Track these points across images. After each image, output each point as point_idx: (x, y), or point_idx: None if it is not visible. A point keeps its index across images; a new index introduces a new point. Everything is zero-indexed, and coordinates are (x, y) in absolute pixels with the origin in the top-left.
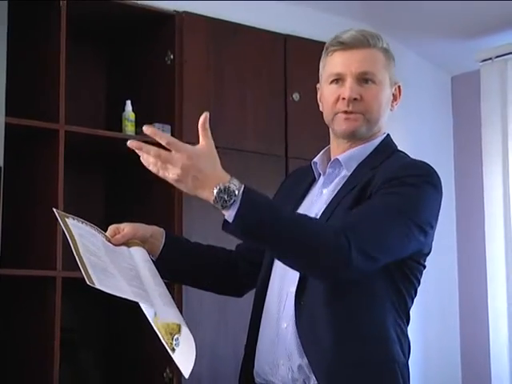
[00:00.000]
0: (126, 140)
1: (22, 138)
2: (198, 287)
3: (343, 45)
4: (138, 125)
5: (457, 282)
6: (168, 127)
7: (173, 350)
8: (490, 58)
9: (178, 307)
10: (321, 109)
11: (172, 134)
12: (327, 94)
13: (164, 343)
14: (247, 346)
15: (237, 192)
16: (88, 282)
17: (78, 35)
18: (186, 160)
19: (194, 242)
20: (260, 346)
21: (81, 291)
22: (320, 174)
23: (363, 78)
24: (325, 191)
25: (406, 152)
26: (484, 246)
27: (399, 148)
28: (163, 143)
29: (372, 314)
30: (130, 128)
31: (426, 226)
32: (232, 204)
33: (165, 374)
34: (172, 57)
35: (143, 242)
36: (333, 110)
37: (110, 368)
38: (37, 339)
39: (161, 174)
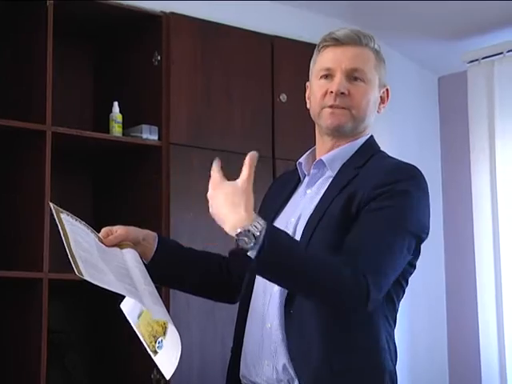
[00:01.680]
0: (113, 141)
1: (8, 139)
2: (190, 293)
3: (335, 41)
4: (125, 126)
5: (444, 282)
6: (155, 128)
7: (155, 352)
8: (477, 59)
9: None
10: (308, 106)
11: (159, 136)
12: (315, 89)
13: (146, 346)
14: (233, 348)
15: (258, 234)
16: (76, 273)
17: (65, 36)
18: (211, 190)
19: (187, 248)
20: (246, 348)
21: (68, 293)
22: (305, 175)
23: (353, 76)
24: (309, 191)
25: (392, 153)
26: (472, 245)
27: (386, 149)
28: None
29: (363, 322)
30: (117, 129)
31: (421, 233)
32: (252, 247)
33: (152, 376)
34: (159, 58)
35: (135, 245)
36: (320, 104)
37: (98, 369)
38: (24, 341)
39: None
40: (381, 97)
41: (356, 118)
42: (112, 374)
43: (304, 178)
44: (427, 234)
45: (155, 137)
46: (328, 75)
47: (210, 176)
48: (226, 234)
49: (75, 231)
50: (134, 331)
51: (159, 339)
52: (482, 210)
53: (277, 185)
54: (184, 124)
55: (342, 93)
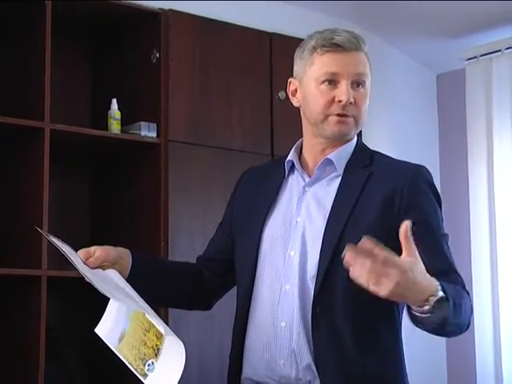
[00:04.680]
0: (112, 138)
1: (7, 136)
2: (166, 305)
3: (337, 46)
4: (124, 123)
5: None
6: (154, 126)
7: (144, 375)
8: (475, 57)
9: (163, 308)
10: (296, 104)
11: (158, 133)
12: (317, 94)
13: (132, 369)
14: (233, 348)
15: (444, 299)
16: (100, 292)
17: (63, 33)
18: (402, 275)
19: (160, 260)
20: (250, 349)
21: (66, 290)
22: (289, 171)
23: (357, 82)
24: (308, 190)
25: (391, 149)
26: (469, 243)
27: (385, 145)
28: (380, 259)
29: (388, 325)
30: (115, 126)
31: None
32: (436, 309)
33: None
34: (158, 55)
35: (113, 265)
36: (324, 111)
37: (96, 366)
38: (22, 338)
39: (371, 287)
40: None
41: (359, 125)
42: (110, 372)
43: (288, 174)
44: None
45: (154, 134)
46: (331, 81)
47: (208, 173)
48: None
49: (69, 251)
50: None
51: (149, 362)
52: (479, 206)
53: (247, 182)
54: (182, 121)
55: (350, 102)
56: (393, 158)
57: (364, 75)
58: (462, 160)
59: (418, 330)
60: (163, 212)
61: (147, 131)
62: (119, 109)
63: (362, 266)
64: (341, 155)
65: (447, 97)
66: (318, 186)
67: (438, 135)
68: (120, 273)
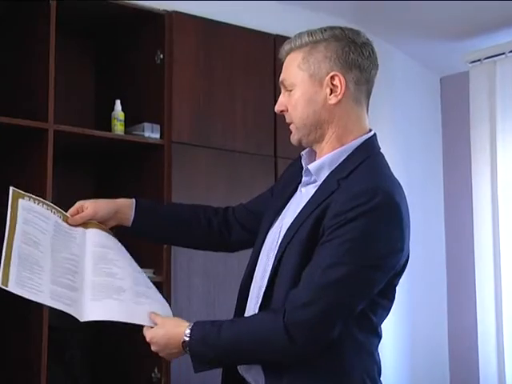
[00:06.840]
0: (115, 140)
1: (11, 137)
2: (179, 245)
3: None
4: (127, 124)
5: (445, 280)
6: (157, 127)
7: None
8: (479, 60)
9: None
10: None
11: (161, 134)
12: None
13: None
14: None
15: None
16: (0, 284)
17: (67, 34)
18: (153, 345)
19: (171, 205)
20: None
21: None
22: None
23: (286, 88)
24: (303, 190)
25: (394, 152)
26: (472, 245)
27: (388, 148)
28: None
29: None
30: (119, 127)
31: (380, 261)
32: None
33: (153, 374)
34: (162, 56)
35: (108, 220)
36: None
37: (99, 367)
38: (25, 337)
39: None
40: (333, 84)
41: (298, 128)
42: (113, 371)
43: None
44: (388, 260)
45: (157, 135)
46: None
47: (211, 174)
48: None
49: (29, 220)
50: (135, 328)
51: None
52: (482, 209)
53: (291, 169)
54: (186, 122)
55: (282, 110)
56: (368, 176)
57: (285, 80)
58: (466, 163)
59: (419, 333)
60: None
61: (151, 132)
62: (123, 110)
63: None
64: (324, 164)
65: (451, 100)
66: (306, 191)
67: (441, 138)
68: (121, 223)
